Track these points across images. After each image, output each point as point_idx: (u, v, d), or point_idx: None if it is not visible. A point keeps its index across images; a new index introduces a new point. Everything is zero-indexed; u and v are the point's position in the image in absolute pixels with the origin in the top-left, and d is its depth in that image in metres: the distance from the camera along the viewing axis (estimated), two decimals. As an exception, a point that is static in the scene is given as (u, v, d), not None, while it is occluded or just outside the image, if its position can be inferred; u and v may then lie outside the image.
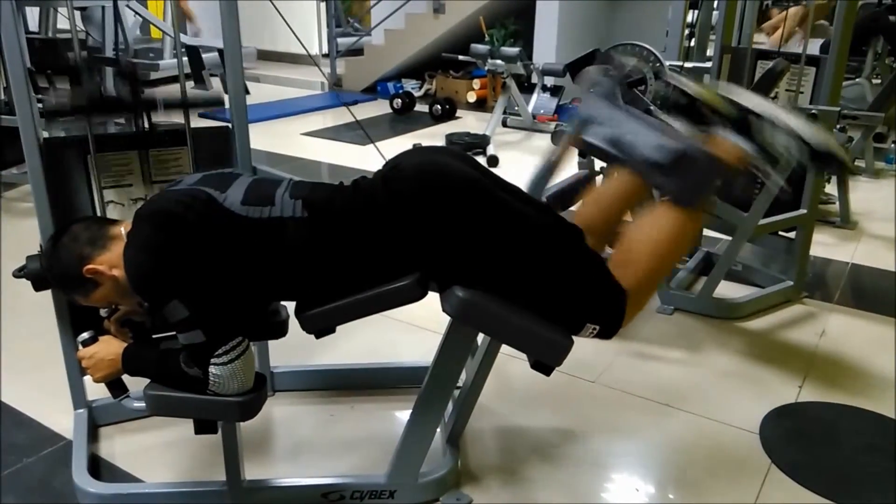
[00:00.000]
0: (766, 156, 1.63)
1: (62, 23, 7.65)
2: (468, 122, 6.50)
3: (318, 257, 1.52)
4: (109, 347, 1.59)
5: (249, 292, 1.58)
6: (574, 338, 1.55)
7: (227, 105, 1.96)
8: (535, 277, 1.52)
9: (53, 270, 1.60)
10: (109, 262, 1.54)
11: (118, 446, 2.09)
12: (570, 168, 3.19)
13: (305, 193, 1.56)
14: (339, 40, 8.16)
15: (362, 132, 5.63)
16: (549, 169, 1.93)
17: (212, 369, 1.46)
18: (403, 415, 1.91)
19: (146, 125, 1.94)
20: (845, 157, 1.68)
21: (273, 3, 2.54)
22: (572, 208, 1.90)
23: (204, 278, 1.46)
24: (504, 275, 1.51)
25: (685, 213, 1.59)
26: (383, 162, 1.66)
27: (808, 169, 1.69)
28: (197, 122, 1.96)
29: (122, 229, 1.57)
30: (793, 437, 2.16)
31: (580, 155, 3.08)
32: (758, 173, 1.63)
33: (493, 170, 1.65)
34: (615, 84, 1.84)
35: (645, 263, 1.59)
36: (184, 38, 4.20)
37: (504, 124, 6.17)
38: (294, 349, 2.19)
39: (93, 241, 1.56)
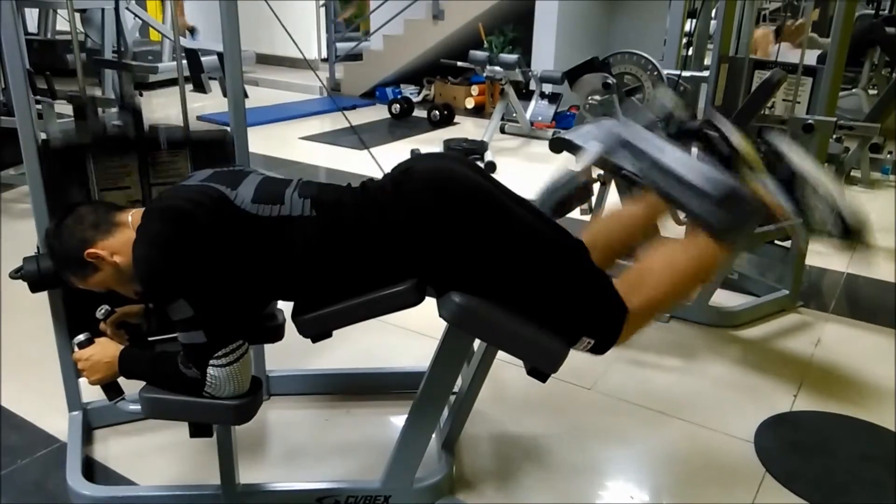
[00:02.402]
0: (803, 217, 1.71)
1: (61, 24, 7.68)
2: (466, 128, 6.51)
3: (323, 256, 1.52)
4: (106, 350, 1.59)
5: (254, 292, 1.58)
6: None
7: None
8: (534, 289, 1.52)
9: (54, 250, 1.59)
10: (111, 248, 1.53)
11: (113, 449, 2.08)
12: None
13: (314, 193, 1.57)
14: (339, 45, 8.18)
15: (362, 137, 5.64)
16: (577, 194, 1.94)
17: (210, 370, 1.46)
18: (399, 420, 1.91)
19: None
20: (870, 237, 1.76)
21: (271, 7, 2.55)
22: (575, 216, 1.90)
23: (212, 278, 1.46)
24: (504, 284, 1.51)
25: (716, 247, 1.60)
26: (378, 167, 1.66)
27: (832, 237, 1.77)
28: (196, 126, 1.96)
29: (129, 217, 1.57)
30: (787, 447, 2.16)
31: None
32: (788, 228, 1.71)
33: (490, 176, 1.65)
34: (657, 117, 1.87)
35: (659, 288, 1.59)
36: (183, 42, 4.20)
37: (502, 131, 6.18)
38: (290, 353, 2.19)
39: (97, 225, 1.55)
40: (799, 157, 1.75)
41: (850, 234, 1.70)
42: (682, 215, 1.83)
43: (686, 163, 1.67)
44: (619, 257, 1.79)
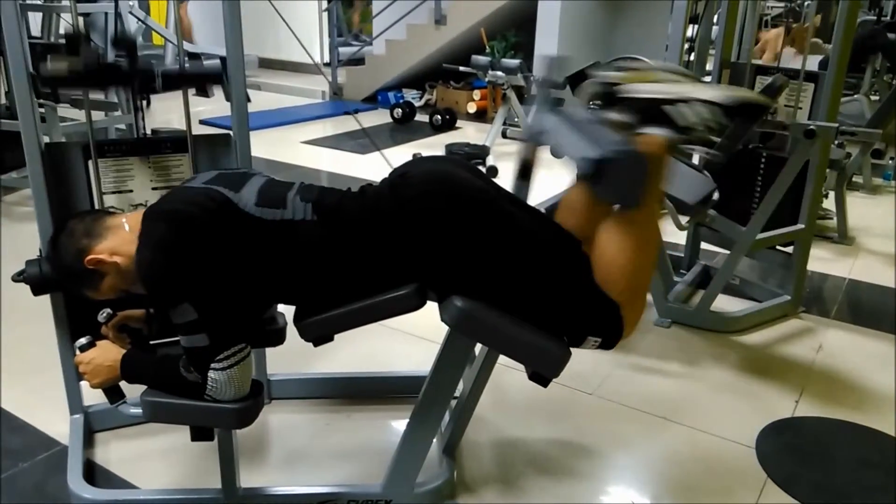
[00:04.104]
0: (685, 132, 1.57)
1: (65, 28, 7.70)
2: (468, 133, 6.52)
3: (325, 260, 1.53)
4: (107, 353, 1.59)
5: (257, 295, 1.58)
6: (576, 350, 1.55)
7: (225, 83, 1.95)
8: (536, 291, 1.52)
9: (59, 269, 1.60)
10: (109, 249, 1.53)
11: (114, 452, 2.08)
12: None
13: (314, 197, 1.57)
14: (340, 49, 8.20)
15: (363, 141, 5.64)
16: (524, 171, 1.91)
17: (211, 374, 1.46)
18: (400, 424, 1.91)
19: (148, 131, 1.94)
20: (760, 98, 1.63)
21: (277, 11, 2.56)
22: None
23: (216, 282, 1.46)
24: (505, 287, 1.51)
25: (634, 215, 1.54)
26: (388, 169, 1.66)
27: (729, 127, 1.64)
28: (198, 129, 1.97)
29: (124, 220, 1.58)
30: (789, 452, 2.16)
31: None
32: (684, 150, 1.59)
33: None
34: (550, 91, 1.82)
35: (623, 275, 1.55)
36: (186, 46, 4.20)
37: (504, 135, 6.18)
38: (292, 357, 2.19)
39: (89, 233, 1.55)
40: (656, 87, 1.61)
41: (735, 110, 1.53)
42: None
43: (572, 146, 1.58)
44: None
